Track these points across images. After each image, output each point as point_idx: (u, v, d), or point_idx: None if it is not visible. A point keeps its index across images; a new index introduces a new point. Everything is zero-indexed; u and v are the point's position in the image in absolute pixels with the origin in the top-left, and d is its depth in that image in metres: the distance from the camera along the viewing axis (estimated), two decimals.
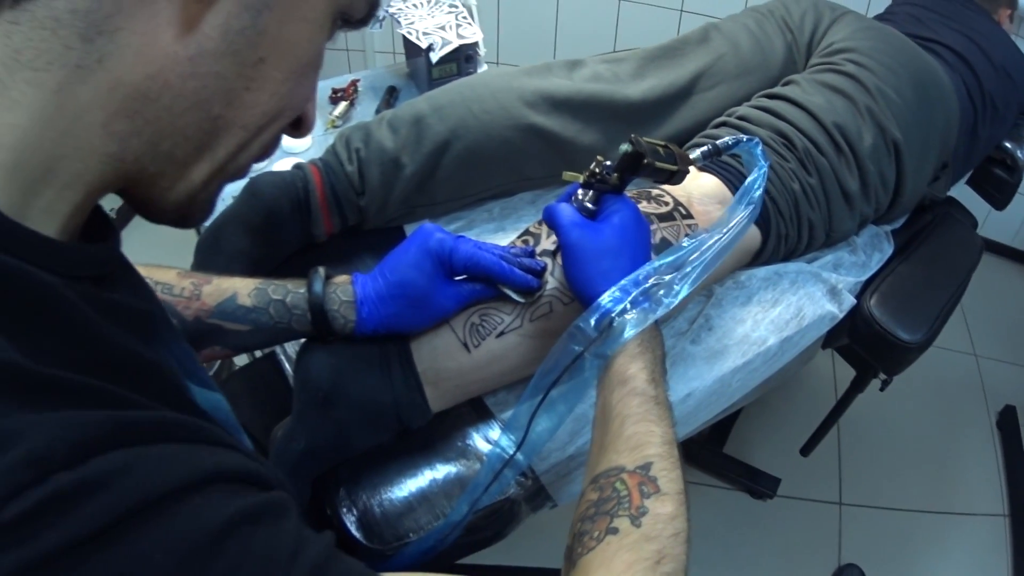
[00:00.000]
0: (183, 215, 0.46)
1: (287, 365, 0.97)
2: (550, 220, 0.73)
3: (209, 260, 0.95)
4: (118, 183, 0.42)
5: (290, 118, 0.47)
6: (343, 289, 0.75)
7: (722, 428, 1.96)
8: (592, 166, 0.72)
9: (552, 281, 0.80)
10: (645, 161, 0.70)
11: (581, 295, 0.70)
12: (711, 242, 0.73)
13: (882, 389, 1.44)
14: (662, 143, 0.75)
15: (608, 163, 0.71)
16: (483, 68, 1.46)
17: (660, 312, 0.67)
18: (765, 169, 0.81)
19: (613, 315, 0.66)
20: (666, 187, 0.91)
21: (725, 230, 0.74)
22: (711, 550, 1.79)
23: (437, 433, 0.84)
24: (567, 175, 0.73)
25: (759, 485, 1.85)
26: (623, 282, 0.68)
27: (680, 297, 0.68)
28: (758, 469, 1.88)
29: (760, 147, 0.84)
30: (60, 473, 0.29)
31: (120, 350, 0.37)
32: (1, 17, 0.35)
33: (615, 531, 0.54)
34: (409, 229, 1.08)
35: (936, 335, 1.10)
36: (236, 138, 0.44)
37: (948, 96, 1.19)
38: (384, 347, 0.78)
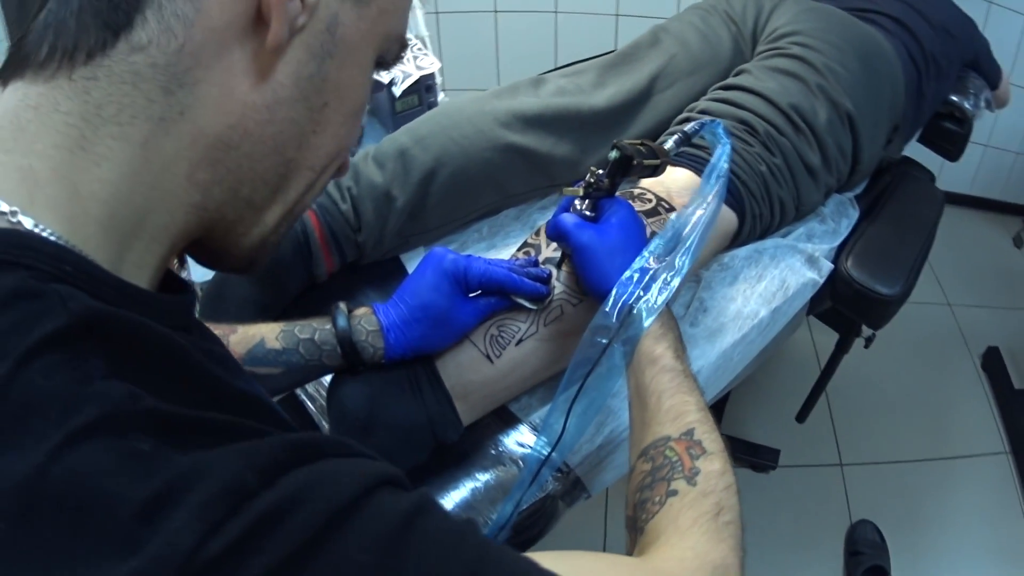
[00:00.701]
0: (253, 260, 0.48)
1: (309, 404, 1.00)
2: (557, 231, 0.79)
3: (216, 311, 0.98)
4: (198, 232, 0.43)
5: (344, 158, 0.50)
6: (367, 319, 0.78)
7: (715, 410, 1.99)
8: (587, 177, 0.78)
9: (559, 286, 0.86)
10: (635, 162, 0.76)
11: (598, 291, 0.75)
12: (695, 216, 0.79)
13: (867, 346, 1.49)
14: (639, 141, 0.81)
15: (600, 171, 0.77)
16: (442, 95, 1.50)
17: (672, 290, 0.73)
18: (729, 144, 0.87)
19: (631, 303, 0.72)
20: (647, 185, 0.97)
21: (704, 203, 0.80)
22: None
23: (469, 445, 0.88)
24: (567, 191, 0.79)
25: (760, 459, 1.88)
26: (628, 273, 0.73)
27: (684, 272, 0.74)
28: (757, 443, 1.92)
29: (721, 126, 0.89)
30: (254, 500, 0.30)
31: (231, 388, 0.38)
32: (76, 74, 0.37)
33: (675, 493, 0.58)
34: (405, 259, 1.12)
35: (913, 285, 1.16)
36: (305, 179, 0.46)
37: (892, 63, 1.25)
38: (412, 370, 0.81)
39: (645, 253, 0.75)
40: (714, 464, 0.60)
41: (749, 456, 1.91)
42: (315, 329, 0.78)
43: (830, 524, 1.89)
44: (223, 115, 0.40)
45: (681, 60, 1.25)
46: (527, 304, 0.83)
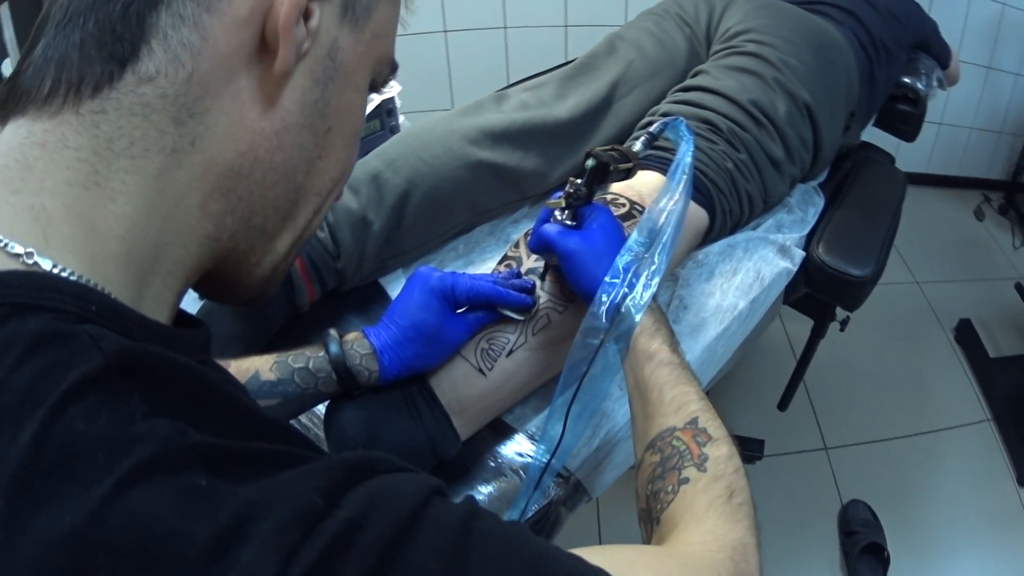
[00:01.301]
0: (264, 290, 0.48)
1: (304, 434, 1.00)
2: (542, 243, 0.80)
3: None
4: (211, 264, 0.43)
5: (345, 182, 0.50)
6: (359, 343, 0.79)
7: None
8: (567, 188, 0.79)
9: (544, 295, 0.87)
10: (611, 167, 0.79)
11: (589, 295, 0.76)
12: (666, 210, 0.80)
13: (842, 329, 1.52)
14: (610, 147, 0.83)
15: (579, 181, 0.79)
16: (401, 119, 1.51)
17: (655, 284, 0.75)
18: (692, 139, 0.89)
19: (617, 302, 0.74)
20: (618, 190, 0.99)
21: (672, 196, 0.82)
22: None
23: (468, 459, 0.88)
24: (550, 203, 0.81)
25: (746, 450, 1.85)
26: (611, 274, 0.75)
27: (664, 267, 0.76)
28: (741, 435, 1.92)
29: (684, 123, 0.91)
30: (325, 521, 0.30)
31: (260, 416, 0.37)
32: (83, 108, 0.36)
33: (687, 480, 0.59)
34: (385, 282, 1.13)
35: (884, 264, 1.19)
36: (312, 204, 0.46)
37: (844, 51, 1.28)
38: (408, 390, 0.82)
39: (624, 251, 0.77)
40: (721, 449, 0.62)
41: (736, 448, 1.90)
42: (309, 357, 0.78)
43: (821, 507, 1.91)
44: (234, 143, 0.40)
45: (639, 66, 1.28)
46: (514, 315, 0.85)
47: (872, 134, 1.63)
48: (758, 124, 1.12)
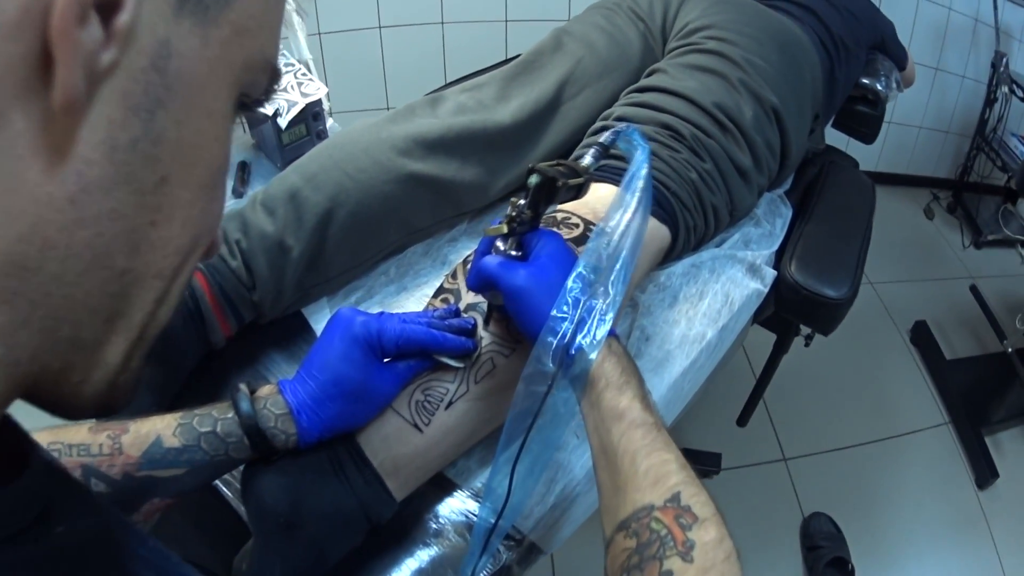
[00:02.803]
0: (106, 405, 0.34)
1: (225, 489, 0.88)
2: (482, 279, 0.69)
3: None
4: (17, 392, 0.29)
5: (206, 245, 0.35)
6: (273, 401, 0.68)
7: None
8: (509, 211, 0.68)
9: (487, 336, 0.76)
10: (559, 184, 0.67)
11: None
12: (621, 228, 0.68)
13: (807, 344, 1.47)
14: (555, 162, 0.71)
15: (521, 202, 0.67)
16: (330, 122, 1.40)
17: (611, 319, 0.64)
18: (647, 149, 0.77)
19: (566, 342, 0.63)
20: (570, 208, 0.87)
21: (624, 212, 0.70)
22: None
23: (407, 520, 0.79)
24: (489, 231, 0.69)
25: (702, 464, 1.85)
26: (555, 311, 0.64)
27: (621, 296, 0.65)
28: (696, 450, 1.88)
29: (637, 132, 0.79)
30: None
31: None
32: None
33: (670, 573, 0.51)
34: (308, 313, 1.01)
35: (859, 284, 1.11)
36: (152, 292, 0.32)
37: (808, 50, 1.21)
38: (332, 450, 0.71)
39: (569, 283, 0.65)
40: (709, 532, 0.53)
41: (690, 463, 1.83)
42: (216, 419, 0.67)
43: (781, 521, 1.88)
44: (9, 223, 0.26)
45: (588, 63, 1.17)
46: (453, 363, 0.73)
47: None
48: (723, 129, 1.02)
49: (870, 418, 2.14)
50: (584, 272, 0.66)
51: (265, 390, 0.69)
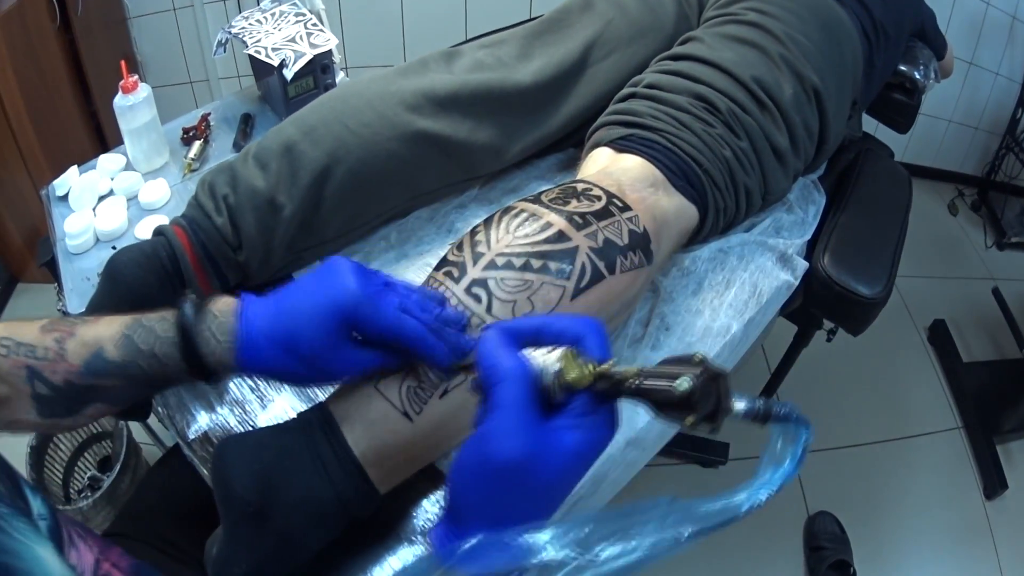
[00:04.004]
0: None
1: (202, 468, 0.81)
2: (492, 382, 0.49)
3: None
4: None
5: None
6: (219, 325, 0.61)
7: None
8: (610, 363, 0.48)
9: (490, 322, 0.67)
10: (694, 400, 0.44)
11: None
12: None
13: (829, 340, 1.40)
14: (717, 370, 0.46)
15: (638, 380, 0.46)
16: (340, 76, 1.32)
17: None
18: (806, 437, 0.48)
19: None
20: (593, 179, 0.79)
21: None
22: None
23: (392, 513, 0.72)
24: (569, 378, 0.48)
25: (709, 454, 1.81)
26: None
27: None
28: (704, 438, 1.83)
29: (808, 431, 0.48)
30: None
31: None
32: None
33: None
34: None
35: (893, 284, 1.03)
36: None
37: (851, 32, 1.13)
38: (309, 434, 0.65)
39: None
40: None
41: (697, 452, 1.83)
42: (157, 338, 0.61)
43: (786, 517, 1.84)
44: None
45: (619, 26, 1.09)
46: (431, 375, 0.65)
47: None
48: (762, 107, 0.94)
49: (882, 416, 2.08)
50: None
51: (220, 304, 0.63)
